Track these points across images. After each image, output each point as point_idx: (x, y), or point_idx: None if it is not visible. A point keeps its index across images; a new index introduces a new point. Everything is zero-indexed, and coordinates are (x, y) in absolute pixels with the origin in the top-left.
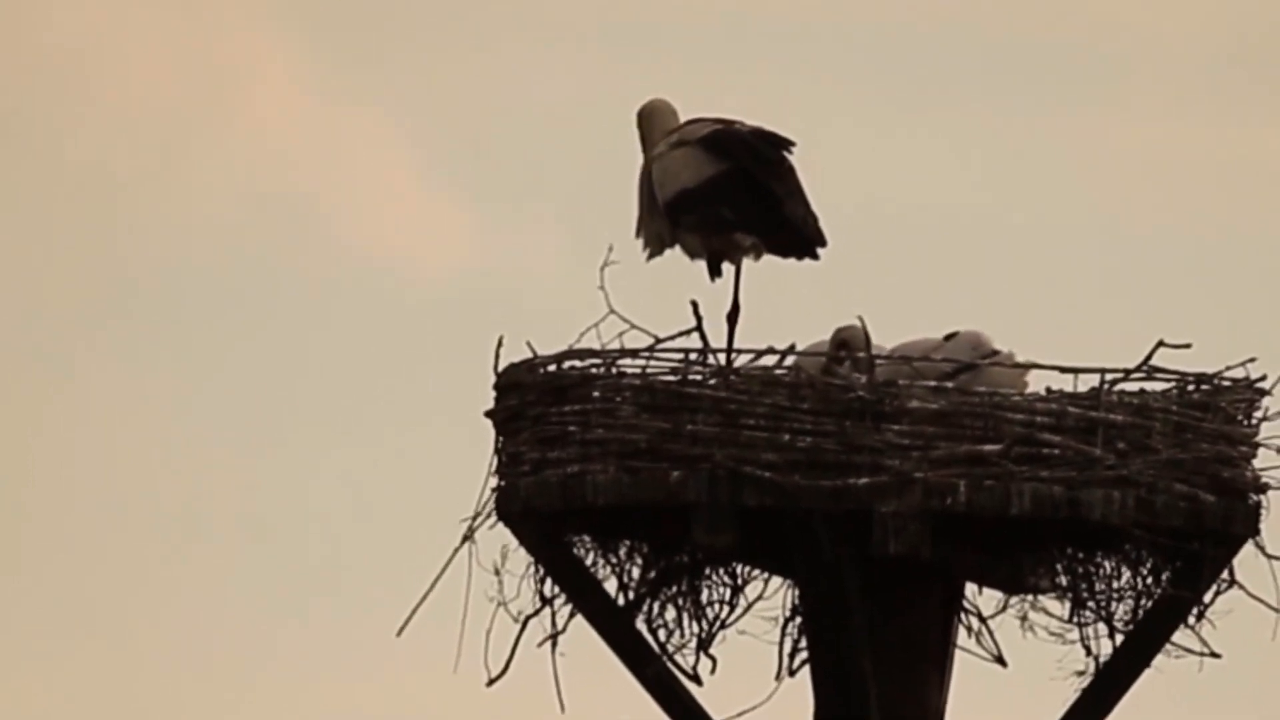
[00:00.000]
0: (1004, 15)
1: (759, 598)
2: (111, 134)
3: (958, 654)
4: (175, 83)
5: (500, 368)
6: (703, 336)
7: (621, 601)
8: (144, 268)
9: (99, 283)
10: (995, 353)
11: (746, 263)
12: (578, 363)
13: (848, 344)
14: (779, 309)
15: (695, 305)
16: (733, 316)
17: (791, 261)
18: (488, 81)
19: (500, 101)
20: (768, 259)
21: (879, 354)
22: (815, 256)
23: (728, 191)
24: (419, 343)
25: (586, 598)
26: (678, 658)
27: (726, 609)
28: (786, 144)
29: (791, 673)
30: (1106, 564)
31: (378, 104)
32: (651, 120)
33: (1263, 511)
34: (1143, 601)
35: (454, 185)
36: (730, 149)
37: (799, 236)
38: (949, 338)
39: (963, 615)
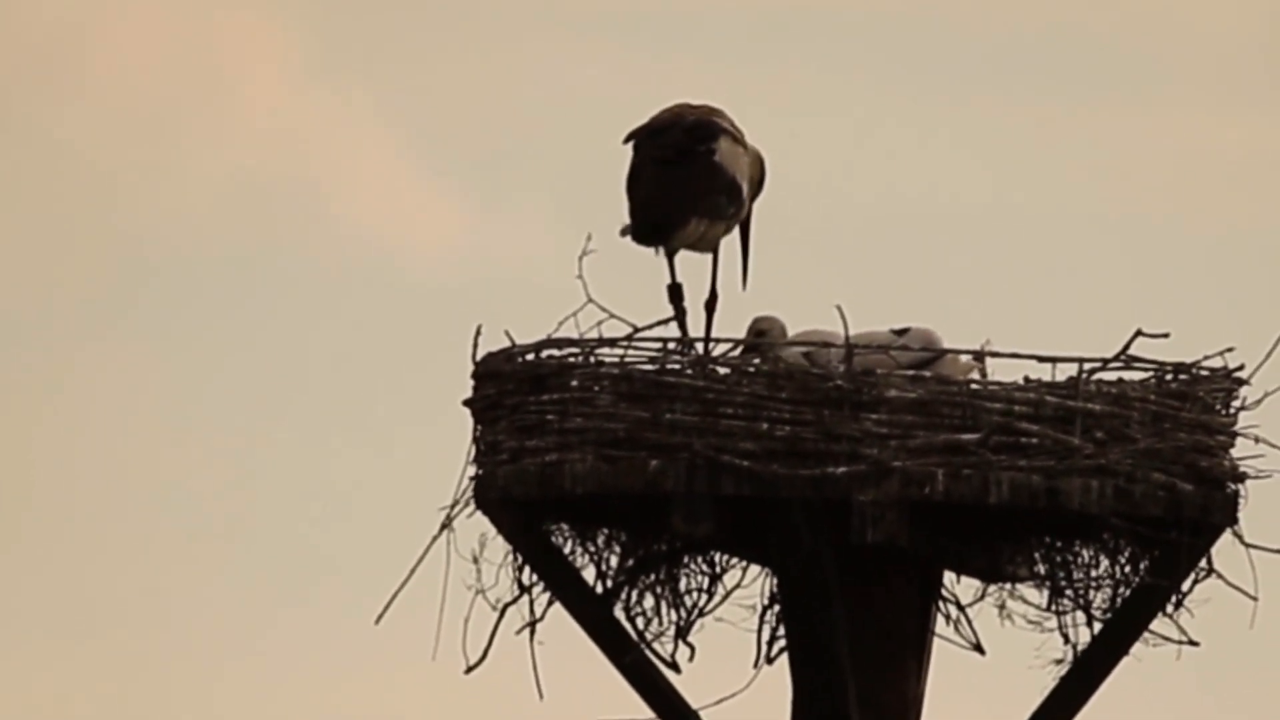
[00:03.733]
0: (983, 8)
1: (737, 586)
2: (103, 118)
3: (936, 642)
4: (167, 67)
5: (478, 357)
6: (681, 326)
7: (600, 590)
8: (127, 254)
9: (85, 264)
10: (944, 353)
11: (726, 253)
12: (556, 352)
13: (765, 334)
14: (759, 298)
15: (672, 294)
16: (710, 304)
17: (771, 252)
18: (475, 71)
19: (486, 91)
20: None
21: (832, 343)
22: (643, 244)
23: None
24: (397, 331)
25: (565, 586)
26: (656, 646)
27: (705, 597)
28: (709, 136)
29: (770, 660)
30: (1085, 552)
31: (366, 91)
32: None
33: (1240, 500)
34: (1121, 590)
35: (436, 174)
36: (637, 142)
37: (633, 226)
38: (900, 333)
39: (941, 603)
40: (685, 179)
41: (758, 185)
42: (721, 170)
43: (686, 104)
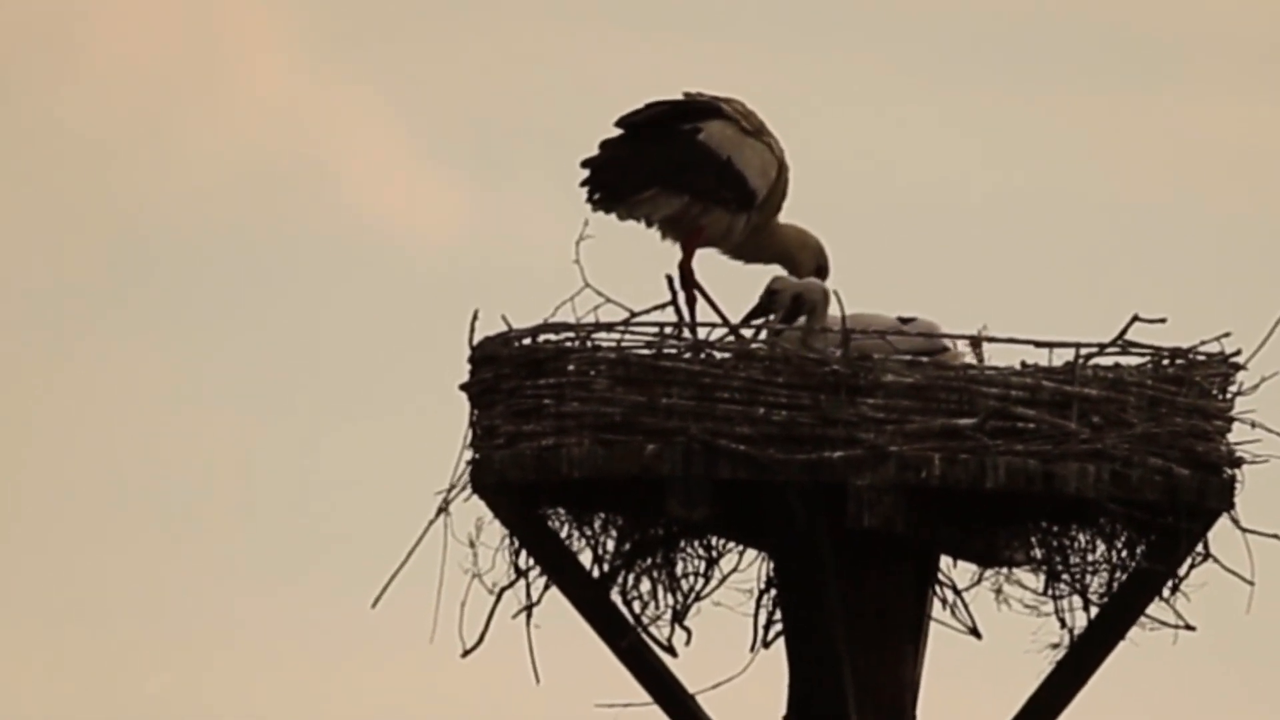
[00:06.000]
0: None
1: (734, 570)
2: (103, 98)
3: (932, 626)
4: (169, 47)
5: (475, 341)
6: (678, 310)
7: (596, 574)
8: (125, 235)
9: (83, 244)
10: (945, 348)
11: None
12: (553, 336)
13: (802, 298)
14: (759, 282)
15: (670, 279)
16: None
17: None
18: (478, 54)
19: (487, 74)
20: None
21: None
22: (596, 207)
23: None
24: (394, 315)
25: (561, 570)
26: (652, 630)
27: (701, 581)
28: (698, 115)
29: (766, 645)
30: (1081, 537)
31: (369, 74)
32: None
33: (1237, 485)
34: (1117, 574)
35: (435, 157)
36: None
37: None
38: (905, 321)
39: (937, 588)
40: (655, 149)
41: (779, 191)
42: (707, 149)
43: (714, 95)
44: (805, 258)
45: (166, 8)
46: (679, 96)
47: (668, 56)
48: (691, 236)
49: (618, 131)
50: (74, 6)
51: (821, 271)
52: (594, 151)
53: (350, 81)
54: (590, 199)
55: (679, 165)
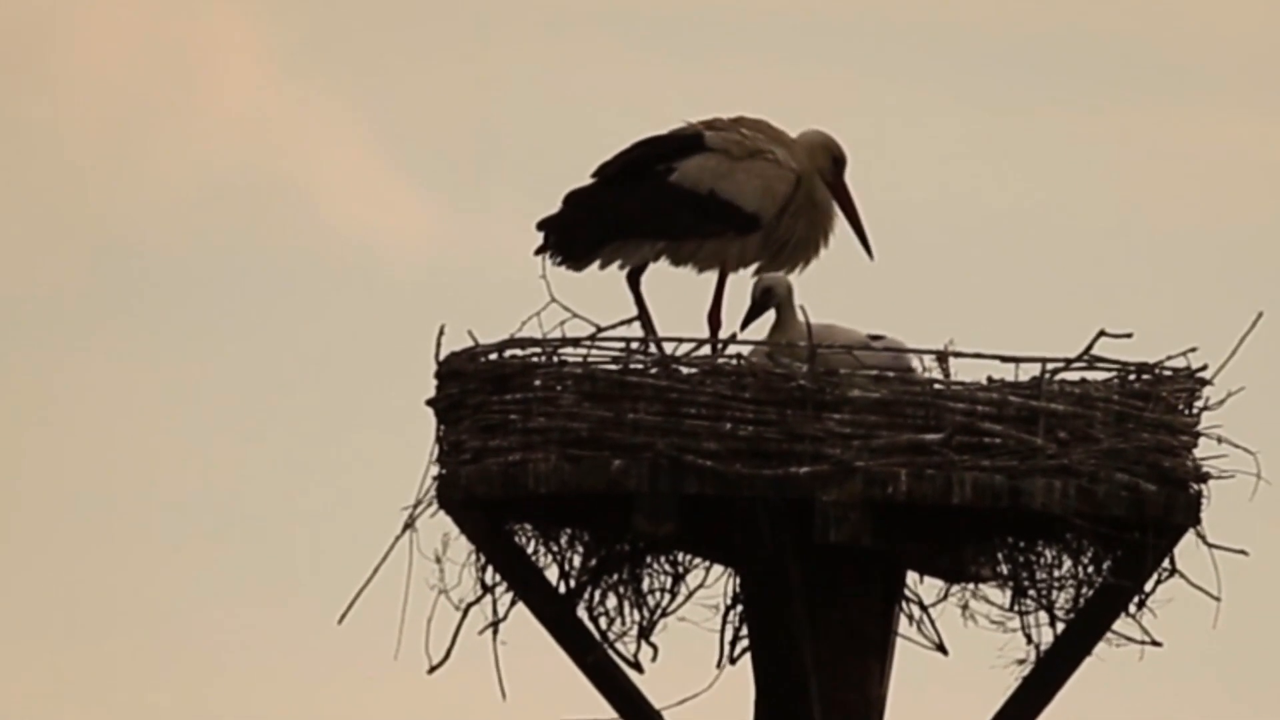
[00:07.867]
0: (944, 7)
1: (700, 586)
2: (77, 114)
3: (899, 642)
4: (142, 63)
5: (441, 356)
6: (644, 325)
7: (563, 590)
8: (97, 250)
9: (55, 259)
10: (911, 367)
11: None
12: (519, 351)
13: (771, 291)
14: (733, 301)
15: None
16: (713, 318)
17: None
18: (447, 70)
19: (457, 90)
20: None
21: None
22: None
23: None
24: (360, 330)
25: (528, 586)
26: (619, 646)
27: (668, 597)
28: (673, 154)
29: (733, 661)
30: (1048, 553)
31: (340, 89)
32: None
33: (1203, 501)
34: (1084, 590)
35: (404, 172)
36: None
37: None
38: (873, 338)
39: (904, 604)
40: (616, 199)
41: (803, 197)
42: (679, 190)
43: (717, 118)
44: (821, 162)
45: (139, 23)
46: (674, 120)
47: (642, 73)
48: (717, 283)
49: (591, 145)
50: (45, 21)
51: (839, 162)
52: (561, 166)
53: (320, 98)
54: (551, 262)
55: (645, 212)
